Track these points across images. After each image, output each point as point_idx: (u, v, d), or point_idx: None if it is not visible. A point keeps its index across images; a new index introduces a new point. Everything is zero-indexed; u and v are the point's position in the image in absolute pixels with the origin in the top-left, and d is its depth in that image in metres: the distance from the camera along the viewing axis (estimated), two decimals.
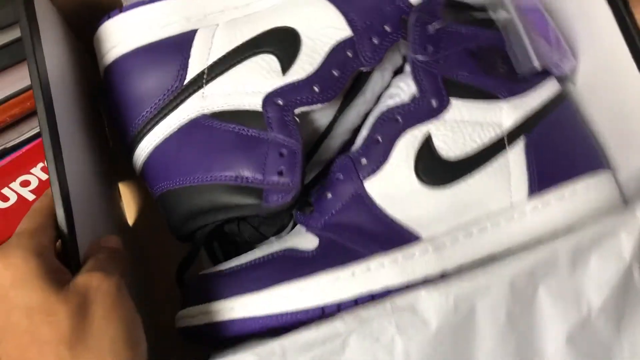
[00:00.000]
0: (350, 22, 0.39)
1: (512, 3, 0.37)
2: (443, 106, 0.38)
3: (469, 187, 0.37)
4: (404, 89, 0.39)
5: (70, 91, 0.40)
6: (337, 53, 0.38)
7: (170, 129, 0.38)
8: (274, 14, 0.40)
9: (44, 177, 0.44)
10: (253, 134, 0.37)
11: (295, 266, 0.36)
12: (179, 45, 0.39)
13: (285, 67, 0.38)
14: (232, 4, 0.40)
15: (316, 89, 0.38)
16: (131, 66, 0.39)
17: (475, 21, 0.39)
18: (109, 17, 0.40)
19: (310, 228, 0.38)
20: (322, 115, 0.40)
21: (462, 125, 0.38)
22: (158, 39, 0.39)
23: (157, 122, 0.38)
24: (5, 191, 0.43)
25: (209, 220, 0.38)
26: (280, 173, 0.37)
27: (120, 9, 0.40)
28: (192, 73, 0.39)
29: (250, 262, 0.37)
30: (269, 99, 0.38)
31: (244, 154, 0.37)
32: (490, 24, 0.39)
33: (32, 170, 0.44)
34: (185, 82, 0.39)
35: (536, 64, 0.37)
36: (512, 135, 0.38)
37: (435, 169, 0.37)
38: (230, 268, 0.37)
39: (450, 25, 0.38)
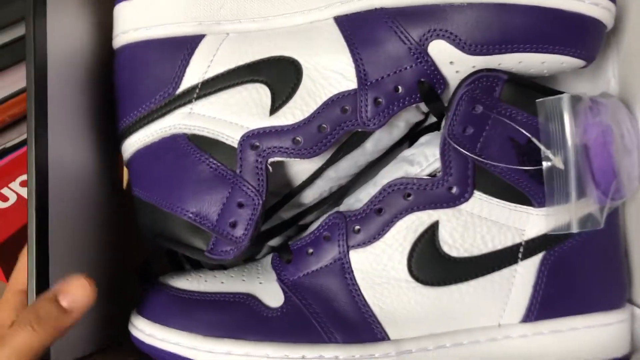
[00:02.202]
0: (360, 73, 0.33)
1: (577, 138, 0.30)
2: (464, 197, 0.33)
3: (460, 295, 0.33)
4: (429, 160, 0.34)
5: (83, 56, 0.36)
6: (334, 106, 0.33)
7: (152, 137, 0.35)
8: (286, 39, 0.34)
9: None
10: (221, 171, 0.34)
11: (251, 322, 0.33)
12: (182, 49, 0.35)
13: (276, 105, 0.34)
14: (250, 14, 0.35)
15: (300, 141, 0.33)
16: (135, 57, 0.36)
17: (534, 106, 0.32)
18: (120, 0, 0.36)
19: (281, 279, 0.35)
20: (306, 162, 0.35)
21: (477, 222, 0.33)
22: (165, 36, 0.35)
23: (143, 125, 0.35)
24: (5, 191, 0.43)
25: (162, 245, 0.36)
26: (233, 225, 0.34)
27: None
28: (186, 83, 0.35)
29: (213, 295, 0.35)
30: (247, 138, 0.34)
31: (207, 191, 0.34)
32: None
33: None
34: (178, 91, 0.35)
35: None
36: (530, 248, 0.33)
37: (430, 263, 0.33)
38: (191, 292, 0.35)
39: (505, 107, 0.32)
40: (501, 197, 0.33)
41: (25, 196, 0.42)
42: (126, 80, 0.37)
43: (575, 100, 0.31)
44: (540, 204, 0.33)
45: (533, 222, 0.33)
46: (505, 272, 0.33)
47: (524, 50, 0.32)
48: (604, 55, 0.40)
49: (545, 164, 0.31)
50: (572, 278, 0.34)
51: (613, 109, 0.32)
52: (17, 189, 0.43)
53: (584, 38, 0.33)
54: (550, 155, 0.30)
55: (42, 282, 0.31)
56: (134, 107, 0.36)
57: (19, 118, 0.45)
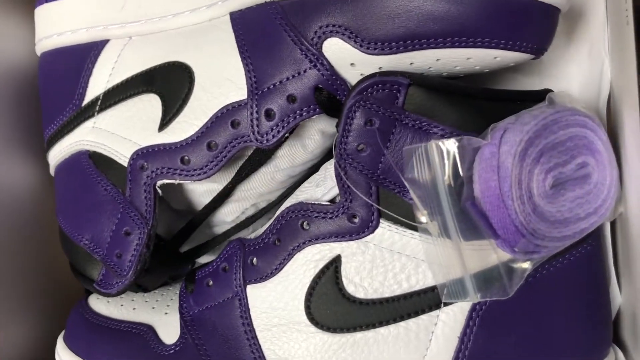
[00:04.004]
0: (249, 80, 0.28)
1: (458, 195, 0.23)
2: (369, 227, 0.27)
3: (366, 344, 0.27)
4: (335, 180, 0.28)
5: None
6: (225, 119, 0.28)
7: (63, 153, 0.33)
8: (182, 41, 0.30)
9: None
10: (113, 194, 0.30)
11: (144, 358, 0.31)
12: (86, 57, 0.32)
13: (166, 120, 0.29)
14: (151, 13, 0.31)
15: (188, 161, 0.29)
16: (48, 67, 0.33)
17: (455, 115, 0.25)
18: (39, 3, 0.33)
19: (181, 312, 0.31)
20: (205, 182, 0.31)
21: (388, 257, 0.27)
22: (73, 42, 0.32)
23: (57, 140, 0.33)
24: None
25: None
26: (119, 255, 0.30)
27: None
28: (90, 94, 0.32)
29: (120, 323, 0.32)
30: (137, 157, 0.30)
31: (100, 216, 0.31)
32: (472, 124, 0.25)
33: None
34: (84, 103, 0.32)
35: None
36: None
37: (332, 305, 0.27)
38: (105, 318, 0.33)
39: (411, 118, 0.25)
40: (416, 228, 0.26)
41: None
42: (44, 91, 0.35)
43: (456, 142, 0.23)
44: (466, 237, 0.26)
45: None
46: (424, 318, 0.27)
47: (438, 46, 0.25)
48: (597, 29, 0.31)
49: (420, 227, 0.24)
50: (517, 326, 0.27)
51: (548, 126, 0.23)
52: None
53: (526, 27, 0.25)
54: (425, 219, 0.23)
55: None
56: (51, 119, 0.34)
57: None
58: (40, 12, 0.34)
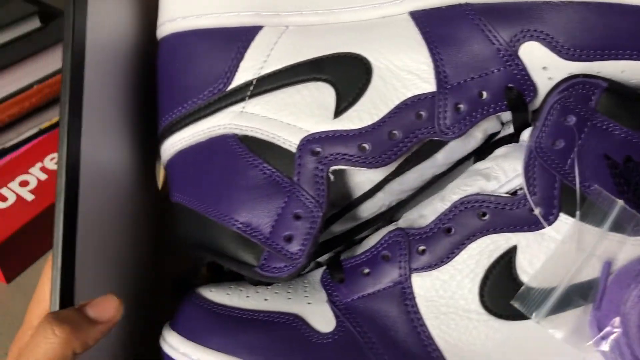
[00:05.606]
0: (439, 75, 0.29)
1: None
2: (548, 219, 0.29)
3: (538, 331, 0.29)
4: (508, 175, 0.30)
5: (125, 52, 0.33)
6: (408, 111, 0.30)
7: (198, 137, 0.32)
8: (354, 34, 0.31)
9: (43, 177, 0.45)
10: (276, 178, 0.30)
11: (299, 347, 0.30)
12: (236, 41, 0.31)
13: (341, 108, 0.30)
14: (313, 6, 0.31)
15: (366, 149, 0.30)
16: (182, 49, 0.32)
17: (637, 120, 0.28)
18: None
19: (333, 300, 0.31)
20: (370, 172, 0.32)
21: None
22: (218, 25, 0.32)
23: (188, 124, 0.32)
24: (4, 191, 0.44)
25: (205, 258, 0.33)
26: (288, 239, 0.30)
27: None
28: (239, 79, 0.31)
29: (256, 313, 0.31)
30: (307, 142, 0.30)
31: (259, 199, 0.30)
32: None
33: (30, 170, 0.46)
34: (230, 87, 0.31)
35: None
36: None
37: (506, 294, 0.29)
38: (231, 308, 0.32)
39: (601, 119, 0.28)
40: (591, 222, 0.29)
41: (24, 196, 0.45)
42: (171, 74, 0.33)
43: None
44: (637, 232, 0.29)
45: (626, 252, 0.29)
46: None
47: (630, 58, 0.28)
48: None
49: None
50: None
51: None
52: (16, 189, 0.45)
53: None
54: None
55: (67, 297, 0.27)
56: (179, 103, 0.33)
57: (17, 118, 0.47)
58: None
